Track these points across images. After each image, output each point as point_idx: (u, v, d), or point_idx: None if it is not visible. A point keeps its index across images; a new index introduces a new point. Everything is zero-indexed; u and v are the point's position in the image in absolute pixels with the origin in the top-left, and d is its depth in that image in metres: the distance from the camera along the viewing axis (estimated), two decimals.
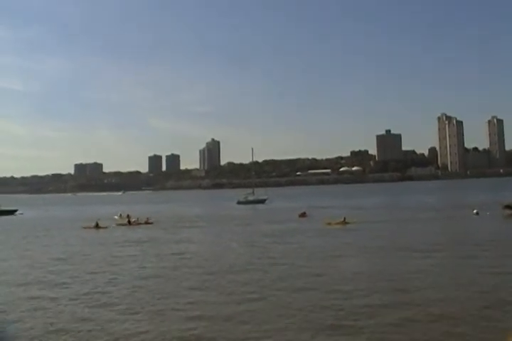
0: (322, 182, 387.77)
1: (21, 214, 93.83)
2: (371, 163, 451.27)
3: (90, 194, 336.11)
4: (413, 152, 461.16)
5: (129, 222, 58.53)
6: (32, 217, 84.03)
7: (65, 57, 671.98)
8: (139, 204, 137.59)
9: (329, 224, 47.27)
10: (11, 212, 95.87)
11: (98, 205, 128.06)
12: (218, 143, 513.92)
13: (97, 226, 54.44)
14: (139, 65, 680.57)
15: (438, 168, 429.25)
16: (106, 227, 54.18)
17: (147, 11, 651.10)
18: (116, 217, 70.41)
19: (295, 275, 22.81)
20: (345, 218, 47.79)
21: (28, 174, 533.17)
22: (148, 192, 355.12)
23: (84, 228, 54.14)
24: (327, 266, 25.23)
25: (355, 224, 46.34)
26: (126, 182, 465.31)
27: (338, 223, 46.99)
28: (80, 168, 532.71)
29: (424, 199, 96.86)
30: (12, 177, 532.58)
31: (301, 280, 21.73)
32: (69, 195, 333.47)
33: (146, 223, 57.99)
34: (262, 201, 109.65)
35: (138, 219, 60.11)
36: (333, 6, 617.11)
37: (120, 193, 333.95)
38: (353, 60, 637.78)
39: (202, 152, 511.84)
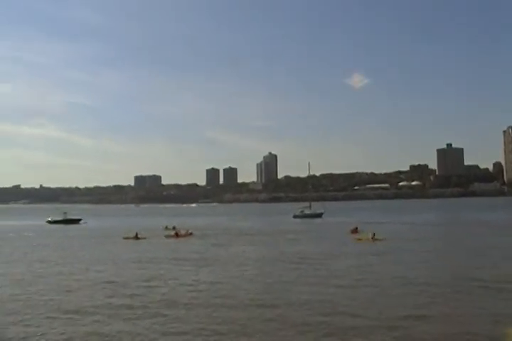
0: (380, 197, 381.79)
1: (85, 223, 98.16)
2: (431, 177, 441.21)
3: (153, 205, 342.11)
4: (476, 167, 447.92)
5: (176, 233, 60.14)
6: (94, 227, 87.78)
7: (127, 71, 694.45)
8: (200, 216, 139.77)
9: (359, 239, 48.42)
10: (77, 221, 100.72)
11: (157, 217, 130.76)
12: (275, 156, 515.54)
13: (136, 237, 56.59)
14: (199, 79, 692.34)
15: (504, 183, 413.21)
16: (145, 238, 56.24)
17: (207, 25, 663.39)
18: (161, 227, 72.53)
19: None
20: (374, 234, 48.54)
21: (91, 185, 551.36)
22: (214, 204, 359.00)
23: (125, 238, 56.51)
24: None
25: (383, 241, 46.79)
26: (184, 194, 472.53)
27: (367, 239, 47.88)
28: (139, 179, 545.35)
29: (484, 217, 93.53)
30: (77, 188, 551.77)
31: None
32: (132, 205, 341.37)
33: (187, 235, 59.68)
34: (319, 215, 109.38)
35: (187, 231, 61.60)
36: None
37: (185, 205, 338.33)
38: (414, 69, 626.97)
39: (259, 165, 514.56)
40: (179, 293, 23.48)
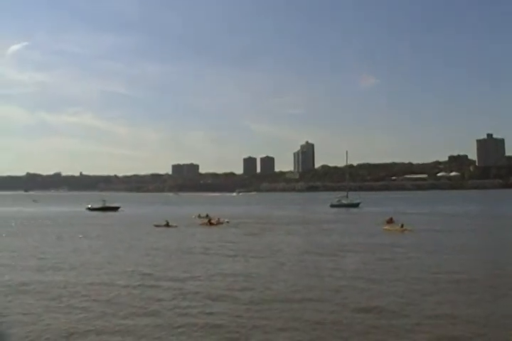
0: (418, 188, 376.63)
1: (123, 211, 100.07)
2: (471, 168, 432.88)
3: (192, 194, 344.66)
4: None
5: (210, 221, 60.76)
6: (131, 214, 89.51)
7: (166, 62, 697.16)
8: (238, 205, 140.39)
9: (388, 229, 49.82)
10: (115, 209, 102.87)
11: (196, 205, 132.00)
12: (313, 145, 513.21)
13: (167, 224, 57.36)
14: (236, 69, 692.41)
15: None
16: (176, 226, 56.87)
17: (244, 16, 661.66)
18: (193, 216, 73.11)
19: None
20: (402, 225, 49.61)
21: (129, 173, 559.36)
22: (253, 193, 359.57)
23: (156, 226, 57.43)
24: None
25: (411, 232, 47.08)
26: (221, 183, 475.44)
27: (396, 229, 48.83)
28: (177, 168, 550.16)
29: None
30: (115, 176, 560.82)
31: None
32: (170, 194, 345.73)
33: (219, 223, 60.14)
34: (356, 205, 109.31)
35: (219, 219, 62.07)
36: None
37: (227, 194, 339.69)
38: (453, 57, 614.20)
39: (296, 155, 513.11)
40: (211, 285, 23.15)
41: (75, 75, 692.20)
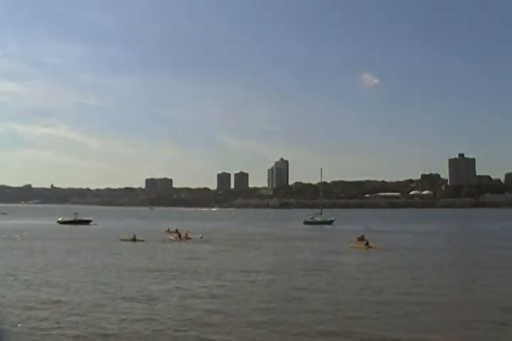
0: (391, 206, 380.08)
1: (95, 224, 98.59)
2: (443, 187, 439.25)
3: (167, 209, 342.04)
4: (488, 177, 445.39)
5: (180, 236, 59.95)
6: (104, 228, 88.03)
7: (139, 75, 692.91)
8: (211, 220, 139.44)
9: (354, 247, 50.31)
10: (87, 222, 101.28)
11: (170, 220, 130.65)
12: (287, 162, 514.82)
13: (134, 239, 56.37)
14: (209, 83, 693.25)
15: None
16: (143, 241, 55.95)
17: (219, 29, 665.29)
18: (163, 231, 72.27)
19: None
20: (367, 242, 50.23)
21: (102, 186, 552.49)
22: (230, 209, 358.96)
23: (122, 240, 56.42)
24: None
25: (376, 249, 47.57)
26: (195, 198, 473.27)
27: (361, 247, 49.37)
28: (150, 182, 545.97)
29: (491, 228, 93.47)
30: (88, 189, 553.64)
31: None
32: (143, 208, 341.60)
33: (188, 238, 59.35)
34: (330, 222, 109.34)
35: (187, 234, 61.20)
36: None
37: (214, 209, 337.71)
38: (424, 83, 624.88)
39: (270, 171, 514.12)
40: None
41: (47, 86, 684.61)
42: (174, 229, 70.06)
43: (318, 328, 17.62)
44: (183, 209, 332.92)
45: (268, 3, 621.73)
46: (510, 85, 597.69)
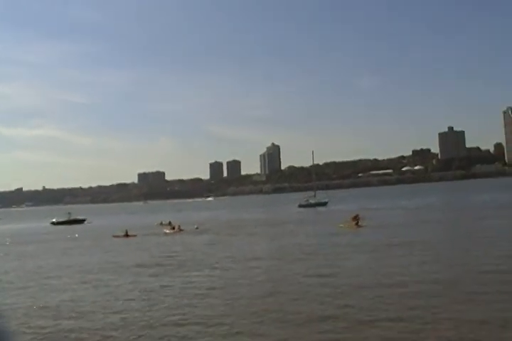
0: (384, 183, 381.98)
1: (90, 223, 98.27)
2: (434, 161, 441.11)
3: (161, 202, 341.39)
4: (477, 149, 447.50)
5: (173, 228, 59.88)
6: (99, 226, 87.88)
7: (126, 70, 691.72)
8: (204, 210, 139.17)
9: (344, 227, 49.75)
10: (81, 221, 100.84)
11: (164, 213, 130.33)
12: (278, 147, 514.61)
13: (126, 234, 55.87)
14: (196, 73, 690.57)
15: (505, 164, 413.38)
16: (135, 235, 55.53)
17: (203, 17, 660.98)
18: (156, 224, 71.94)
19: None
20: (357, 222, 50.14)
21: (93, 184, 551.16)
22: (224, 198, 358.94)
23: (114, 237, 56.00)
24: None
25: (366, 227, 47.82)
26: (188, 189, 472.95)
27: (351, 226, 49.20)
28: (142, 176, 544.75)
29: (482, 198, 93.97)
30: (80, 188, 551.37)
31: None
32: (137, 203, 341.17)
33: (180, 230, 58.84)
34: (324, 204, 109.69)
35: (179, 226, 60.58)
36: None
37: (201, 199, 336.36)
38: (411, 58, 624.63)
39: (262, 157, 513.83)
40: None
41: (33, 86, 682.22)
42: (167, 222, 69.77)
43: (318, 314, 17.54)
44: (178, 201, 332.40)
45: None
46: (493, 56, 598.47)
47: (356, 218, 57.68)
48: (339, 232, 46.37)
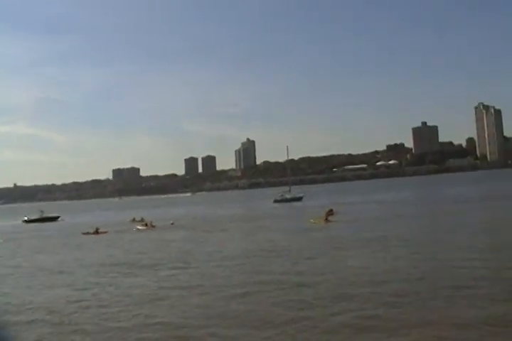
0: (359, 178, 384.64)
1: (63, 220, 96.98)
2: (408, 156, 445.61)
3: (137, 198, 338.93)
4: (450, 143, 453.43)
5: (146, 225, 59.33)
6: (72, 223, 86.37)
7: (101, 67, 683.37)
8: (179, 206, 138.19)
9: (314, 222, 49.65)
10: (54, 219, 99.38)
11: (138, 209, 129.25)
12: (253, 142, 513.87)
13: (96, 232, 55.10)
14: (171, 70, 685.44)
15: (477, 158, 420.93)
16: (106, 232, 54.92)
17: (177, 15, 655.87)
18: (128, 220, 71.35)
19: None
20: (327, 217, 50.24)
21: (68, 181, 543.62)
22: (201, 193, 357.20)
23: (84, 234, 55.11)
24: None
25: (337, 222, 47.90)
26: (163, 185, 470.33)
27: (320, 222, 49.13)
28: (117, 173, 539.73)
29: (452, 192, 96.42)
30: (53, 185, 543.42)
31: None
32: (112, 199, 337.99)
33: (152, 226, 58.30)
34: (299, 199, 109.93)
35: (151, 222, 60.13)
36: None
37: (176, 195, 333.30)
38: (385, 54, 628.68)
39: (237, 152, 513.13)
40: None
41: (6, 82, 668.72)
42: (139, 218, 69.13)
43: (291, 314, 17.31)
44: (153, 196, 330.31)
45: None
46: (467, 52, 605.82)
47: (330, 212, 57.96)
48: (311, 228, 46.33)
